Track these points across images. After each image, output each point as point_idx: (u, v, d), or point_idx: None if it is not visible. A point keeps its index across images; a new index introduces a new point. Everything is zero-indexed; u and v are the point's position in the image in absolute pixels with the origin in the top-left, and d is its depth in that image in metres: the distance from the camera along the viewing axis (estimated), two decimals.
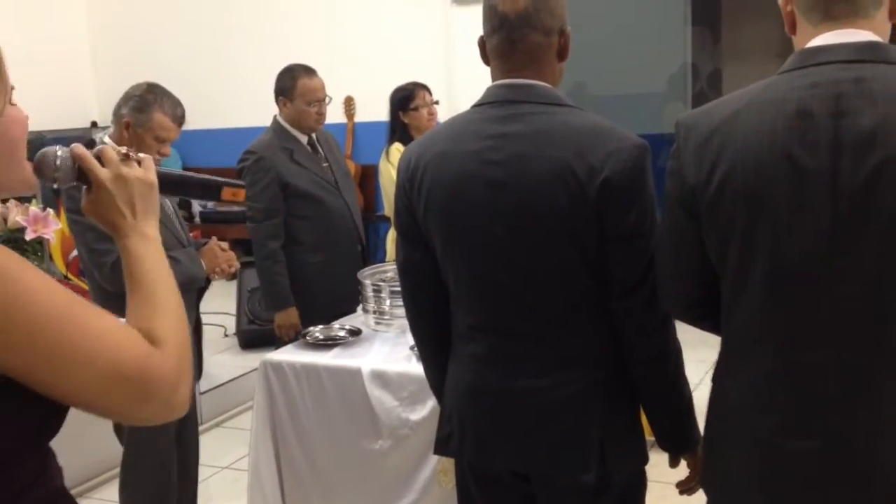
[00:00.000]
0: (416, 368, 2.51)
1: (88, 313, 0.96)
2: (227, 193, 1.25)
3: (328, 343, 2.78)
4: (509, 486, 1.70)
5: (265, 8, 6.04)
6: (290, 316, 3.35)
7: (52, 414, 0.97)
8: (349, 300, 3.23)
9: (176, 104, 2.69)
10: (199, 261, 2.71)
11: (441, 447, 1.76)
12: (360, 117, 5.90)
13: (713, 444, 1.46)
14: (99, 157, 1.11)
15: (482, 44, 1.64)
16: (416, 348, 2.58)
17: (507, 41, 1.58)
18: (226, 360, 5.04)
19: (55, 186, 1.14)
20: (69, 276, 4.73)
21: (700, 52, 5.45)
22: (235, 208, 4.16)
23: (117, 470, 2.82)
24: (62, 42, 6.81)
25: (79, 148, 1.11)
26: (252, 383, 4.68)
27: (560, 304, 1.59)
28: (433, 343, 1.81)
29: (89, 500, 3.50)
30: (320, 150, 3.58)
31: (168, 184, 1.18)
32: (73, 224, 2.70)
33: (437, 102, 3.93)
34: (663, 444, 1.71)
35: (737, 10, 5.52)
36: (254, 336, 5.15)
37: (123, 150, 1.13)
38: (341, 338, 2.82)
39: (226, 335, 5.59)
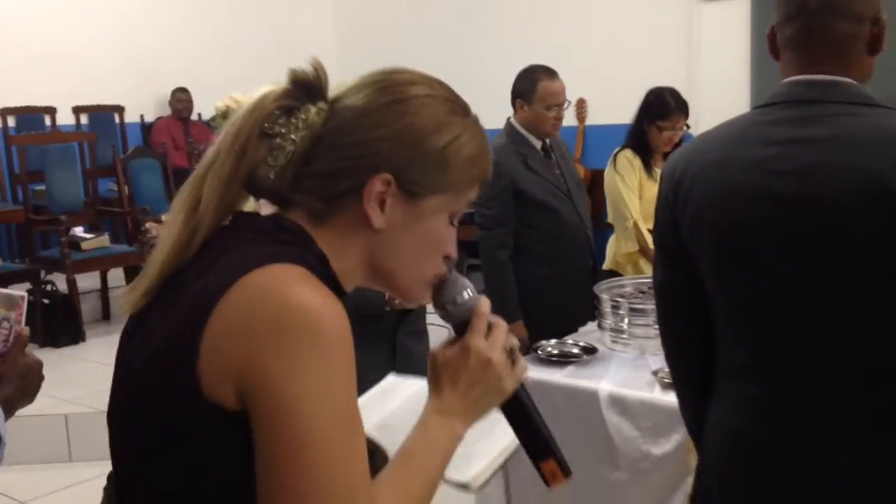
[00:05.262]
0: (660, 397, 2.33)
1: (348, 449, 0.86)
2: (547, 468, 1.08)
3: (562, 360, 2.65)
4: None
5: (499, 8, 6.01)
6: (518, 329, 3.17)
7: None
8: (576, 316, 3.08)
9: None
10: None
11: None
12: (590, 120, 5.72)
13: None
14: (491, 327, 1.03)
15: (772, 35, 1.44)
16: (659, 374, 2.40)
17: (806, 31, 1.37)
18: None
19: (438, 314, 1.04)
20: None
21: None
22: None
23: None
24: (310, 44, 7.21)
25: (483, 305, 1.03)
26: None
27: (863, 346, 1.33)
28: (694, 378, 1.60)
29: None
30: (553, 156, 3.45)
31: (509, 407, 1.06)
32: None
33: (688, 127, 3.56)
34: None
35: None
36: None
37: (516, 343, 1.05)
38: (576, 355, 2.69)
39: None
